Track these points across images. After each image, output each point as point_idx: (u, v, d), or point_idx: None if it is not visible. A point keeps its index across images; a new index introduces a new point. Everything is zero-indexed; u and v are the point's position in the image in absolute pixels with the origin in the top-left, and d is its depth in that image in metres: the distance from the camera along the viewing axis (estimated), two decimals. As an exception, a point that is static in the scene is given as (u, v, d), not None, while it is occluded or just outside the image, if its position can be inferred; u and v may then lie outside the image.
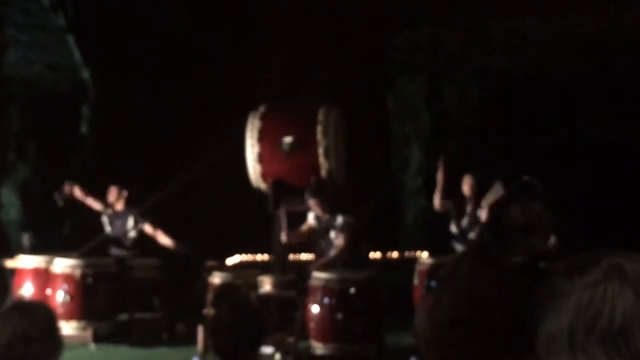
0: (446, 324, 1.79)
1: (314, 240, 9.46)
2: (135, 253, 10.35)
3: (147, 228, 10.17)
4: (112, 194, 10.32)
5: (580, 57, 12.70)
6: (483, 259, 1.89)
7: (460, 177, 9.93)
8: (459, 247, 9.82)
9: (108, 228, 10.40)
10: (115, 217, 10.34)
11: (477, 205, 9.74)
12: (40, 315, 3.47)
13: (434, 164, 10.20)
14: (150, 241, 10.28)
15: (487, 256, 1.91)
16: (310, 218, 9.42)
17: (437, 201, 9.90)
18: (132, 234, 10.28)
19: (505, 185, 10.66)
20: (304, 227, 9.43)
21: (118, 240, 10.36)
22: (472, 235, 9.76)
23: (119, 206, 10.33)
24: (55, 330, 3.48)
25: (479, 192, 9.77)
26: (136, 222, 10.23)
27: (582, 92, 12.79)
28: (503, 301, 1.80)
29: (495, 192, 9.80)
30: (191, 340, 8.95)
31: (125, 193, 10.30)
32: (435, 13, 12.44)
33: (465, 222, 9.83)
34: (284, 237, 9.31)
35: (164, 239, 10.11)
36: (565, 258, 1.27)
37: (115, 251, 10.37)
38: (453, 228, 9.93)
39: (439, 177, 9.92)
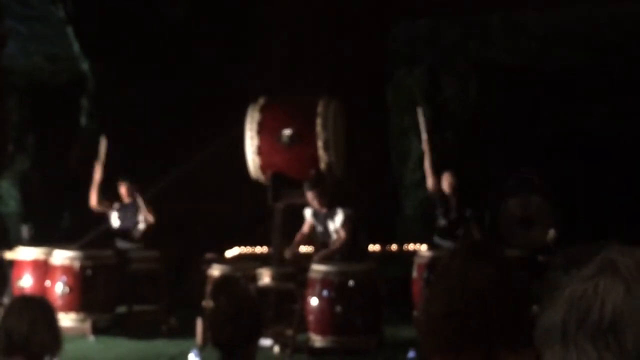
0: (440, 316, 1.80)
1: (313, 234, 9.47)
2: (141, 246, 10.38)
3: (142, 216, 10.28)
4: (123, 188, 10.38)
5: (579, 49, 12.69)
6: (477, 252, 1.90)
7: (457, 170, 9.93)
8: (443, 243, 9.82)
9: (116, 221, 10.44)
10: (122, 209, 10.39)
11: (460, 202, 9.75)
12: (40, 309, 3.48)
13: (433, 157, 10.18)
14: (153, 233, 10.34)
15: (481, 249, 1.91)
16: (308, 215, 9.42)
17: (429, 175, 9.90)
18: (142, 226, 10.32)
19: (505, 179, 10.68)
20: (304, 229, 9.44)
21: (125, 232, 10.39)
22: (459, 231, 9.75)
23: (127, 200, 10.40)
24: (55, 324, 3.49)
25: (460, 189, 9.77)
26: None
27: (581, 85, 12.77)
28: (497, 294, 1.80)
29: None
30: (190, 332, 8.96)
31: (132, 186, 10.38)
32: (434, 5, 12.43)
33: (452, 216, 9.83)
34: (288, 254, 9.32)
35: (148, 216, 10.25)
36: (565, 251, 1.27)
37: (121, 244, 10.40)
38: (441, 222, 9.93)
39: (424, 145, 9.94)
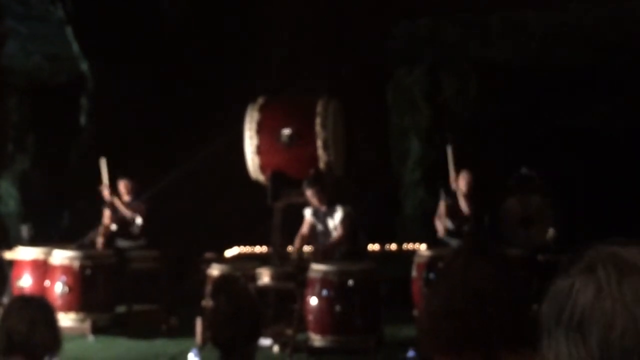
0: (441, 316, 1.79)
1: (313, 233, 9.47)
2: (141, 244, 10.36)
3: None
4: (123, 186, 10.35)
5: (579, 48, 12.69)
6: (478, 251, 1.89)
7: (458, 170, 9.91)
8: (453, 242, 9.82)
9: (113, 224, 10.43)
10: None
11: (472, 204, 9.73)
12: (40, 309, 3.48)
13: (432, 156, 10.18)
14: (153, 232, 10.35)
15: (482, 249, 1.91)
16: (308, 214, 9.41)
17: (440, 229, 9.90)
18: (139, 220, 10.29)
19: (505, 177, 10.67)
20: (303, 230, 9.44)
21: (125, 230, 10.37)
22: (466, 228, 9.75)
23: (126, 197, 10.38)
24: (54, 324, 3.48)
25: (476, 188, 9.75)
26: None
27: (581, 84, 12.77)
28: (497, 294, 1.80)
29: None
30: (189, 332, 8.95)
31: (131, 184, 10.36)
32: (434, 4, 12.43)
33: (460, 219, 9.81)
34: (294, 255, 9.35)
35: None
36: (577, 247, 1.31)
37: (122, 242, 10.38)
38: (448, 223, 9.92)
39: (453, 183, 9.84)
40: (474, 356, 1.76)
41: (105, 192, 10.29)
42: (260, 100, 9.85)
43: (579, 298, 1.20)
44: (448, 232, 9.94)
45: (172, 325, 9.94)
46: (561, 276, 1.24)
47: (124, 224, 10.39)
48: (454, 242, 9.77)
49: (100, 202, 10.45)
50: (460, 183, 9.78)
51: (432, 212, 10.30)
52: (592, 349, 1.17)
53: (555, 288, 1.24)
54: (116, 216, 10.39)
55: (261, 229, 10.32)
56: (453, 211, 9.86)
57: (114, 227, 10.43)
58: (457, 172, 9.78)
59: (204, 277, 9.29)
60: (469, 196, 9.74)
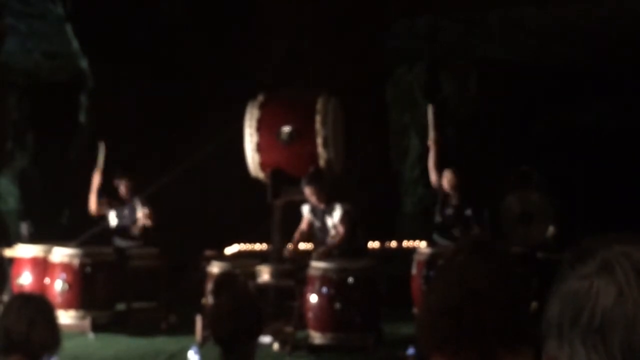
0: (437, 313, 1.79)
1: (312, 231, 9.49)
2: (140, 244, 10.36)
3: (140, 214, 10.26)
4: (123, 185, 10.35)
5: (579, 45, 12.68)
6: (478, 249, 1.89)
7: (458, 167, 9.92)
8: (441, 241, 9.82)
9: (114, 220, 10.42)
10: (120, 207, 10.36)
11: (461, 200, 9.74)
12: (39, 307, 3.48)
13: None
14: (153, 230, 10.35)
15: (482, 247, 1.91)
16: (306, 211, 9.42)
17: (432, 171, 9.89)
18: (141, 221, 10.29)
19: (504, 175, 10.67)
20: (303, 226, 9.45)
21: (124, 230, 10.36)
22: (456, 231, 9.73)
23: (125, 196, 10.38)
24: (54, 322, 3.48)
25: (461, 187, 9.76)
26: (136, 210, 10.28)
27: (581, 81, 12.77)
28: (494, 292, 1.79)
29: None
30: (189, 329, 8.96)
31: (131, 183, 10.36)
32: (433, 2, 12.42)
33: (449, 211, 9.82)
34: (288, 252, 9.34)
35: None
36: (577, 243, 1.27)
37: (120, 242, 10.37)
38: (437, 217, 9.93)
39: (431, 142, 9.90)
40: (471, 354, 1.76)
41: (96, 177, 10.28)
42: (260, 98, 9.85)
43: (600, 300, 1.16)
44: (437, 228, 9.95)
45: (172, 323, 9.95)
46: (572, 276, 1.21)
47: (124, 225, 10.39)
48: (443, 242, 9.78)
49: (100, 196, 10.44)
50: (444, 182, 9.82)
51: (432, 209, 10.29)
52: (613, 352, 1.14)
53: (569, 288, 1.20)
54: (120, 213, 10.40)
55: (261, 227, 10.32)
56: (442, 206, 9.89)
57: (113, 223, 10.44)
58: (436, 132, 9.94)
59: (204, 274, 9.30)
60: (455, 193, 9.76)
